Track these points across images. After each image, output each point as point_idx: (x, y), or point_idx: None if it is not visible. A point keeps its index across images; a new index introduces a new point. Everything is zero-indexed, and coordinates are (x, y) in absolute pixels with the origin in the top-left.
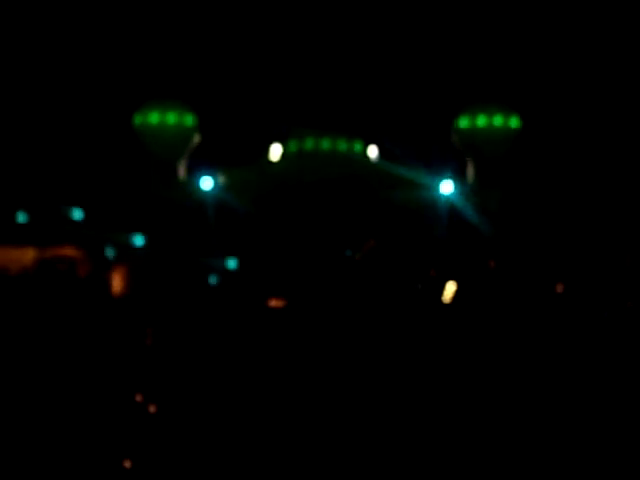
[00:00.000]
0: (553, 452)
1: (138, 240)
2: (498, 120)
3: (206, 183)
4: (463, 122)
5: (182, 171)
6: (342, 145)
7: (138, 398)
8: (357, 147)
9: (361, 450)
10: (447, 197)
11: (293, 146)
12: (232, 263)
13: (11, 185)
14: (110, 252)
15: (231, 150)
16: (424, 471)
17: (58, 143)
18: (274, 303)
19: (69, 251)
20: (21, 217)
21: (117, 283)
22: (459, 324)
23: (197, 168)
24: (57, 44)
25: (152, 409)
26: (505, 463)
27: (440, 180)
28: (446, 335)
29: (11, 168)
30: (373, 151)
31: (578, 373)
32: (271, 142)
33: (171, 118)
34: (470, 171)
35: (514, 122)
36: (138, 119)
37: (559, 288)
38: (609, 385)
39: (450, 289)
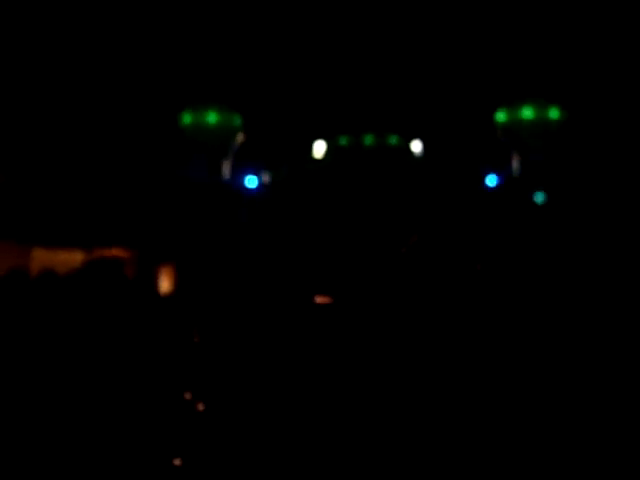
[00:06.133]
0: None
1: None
2: (545, 112)
3: (251, 182)
4: (507, 115)
5: (227, 171)
6: (386, 140)
7: (187, 396)
8: (401, 142)
9: (403, 446)
10: (492, 191)
11: (336, 142)
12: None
13: (58, 189)
14: (157, 252)
15: (275, 148)
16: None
17: (102, 146)
18: (321, 300)
19: (117, 252)
20: (70, 219)
21: (164, 283)
22: (509, 319)
23: (242, 167)
24: (91, 43)
25: (201, 407)
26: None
27: (485, 174)
28: (497, 330)
29: (58, 172)
30: (417, 146)
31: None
32: (314, 139)
33: (216, 118)
34: (515, 164)
35: (557, 114)
36: (184, 119)
37: (605, 280)
38: (620, 378)
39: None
